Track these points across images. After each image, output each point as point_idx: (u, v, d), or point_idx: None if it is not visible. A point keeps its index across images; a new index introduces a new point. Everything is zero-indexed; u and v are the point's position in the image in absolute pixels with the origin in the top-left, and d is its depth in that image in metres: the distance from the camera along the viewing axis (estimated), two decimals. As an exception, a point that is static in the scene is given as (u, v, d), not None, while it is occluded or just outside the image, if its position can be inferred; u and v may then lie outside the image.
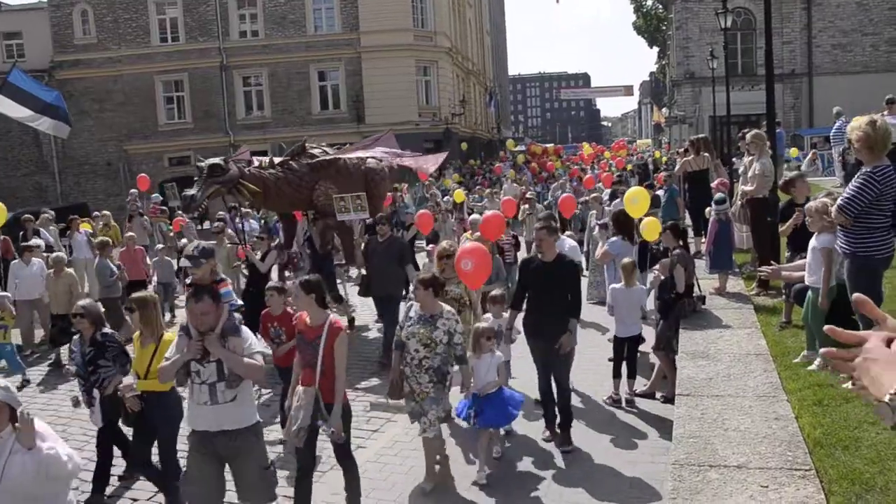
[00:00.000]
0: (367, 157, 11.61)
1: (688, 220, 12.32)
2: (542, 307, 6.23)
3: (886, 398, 1.29)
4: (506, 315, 6.84)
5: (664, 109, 56.61)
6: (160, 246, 13.69)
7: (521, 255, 9.97)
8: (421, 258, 11.80)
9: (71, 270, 10.74)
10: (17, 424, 3.53)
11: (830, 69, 38.05)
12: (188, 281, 6.66)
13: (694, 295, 7.71)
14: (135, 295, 5.85)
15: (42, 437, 3.57)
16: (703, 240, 10.42)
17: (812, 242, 6.11)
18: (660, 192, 13.57)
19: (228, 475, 4.62)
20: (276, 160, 10.61)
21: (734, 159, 14.23)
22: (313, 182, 10.52)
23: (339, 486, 5.72)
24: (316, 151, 11.14)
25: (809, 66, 38.56)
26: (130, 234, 12.81)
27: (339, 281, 13.06)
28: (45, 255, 11.82)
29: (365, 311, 11.59)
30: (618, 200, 11.11)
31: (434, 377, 5.52)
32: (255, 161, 10.46)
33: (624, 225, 9.27)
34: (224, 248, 10.85)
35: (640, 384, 7.51)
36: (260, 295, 7.75)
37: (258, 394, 7.88)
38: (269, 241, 10.25)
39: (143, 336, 5.47)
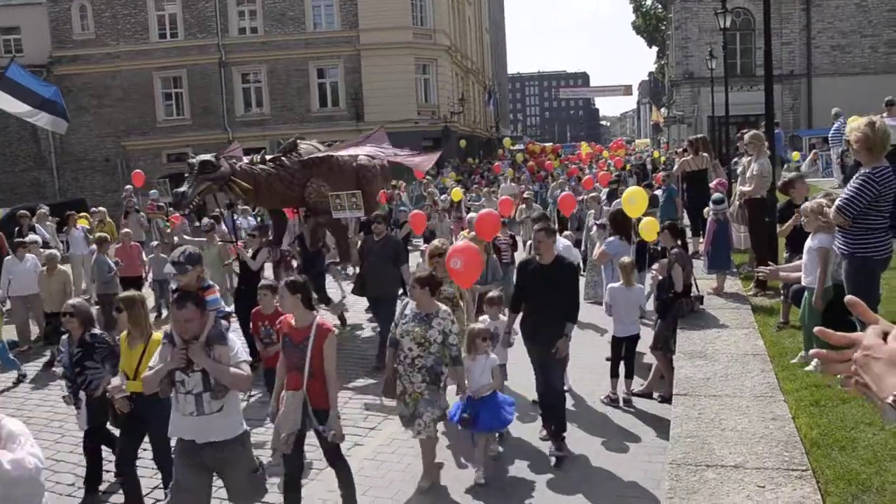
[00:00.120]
0: (359, 155, 11.59)
1: (686, 220, 12.34)
2: (539, 309, 6.15)
3: (890, 399, 1.29)
4: (503, 317, 6.81)
5: (663, 109, 56.62)
6: (155, 243, 13.66)
7: (518, 255, 9.91)
8: (415, 258, 11.75)
9: (64, 268, 10.70)
10: None
11: (829, 70, 38.05)
12: (174, 286, 6.55)
13: (692, 295, 7.71)
14: (122, 294, 5.74)
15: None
16: (702, 240, 10.42)
17: (808, 243, 6.12)
18: (658, 192, 13.59)
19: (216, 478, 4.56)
20: (268, 157, 10.55)
21: (735, 159, 14.22)
22: (305, 179, 10.48)
23: (335, 484, 5.73)
24: (307, 148, 11.12)
25: (808, 67, 38.55)
26: (126, 230, 12.79)
27: (335, 279, 13.05)
28: (42, 251, 11.78)
29: (361, 309, 11.60)
30: (617, 201, 11.11)
31: (427, 377, 5.45)
32: (245, 158, 10.38)
33: (622, 224, 9.27)
34: (215, 246, 10.77)
35: (637, 384, 7.52)
36: (252, 293, 7.71)
37: (246, 395, 7.83)
38: (260, 238, 10.16)
39: (132, 336, 5.34)
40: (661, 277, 7.67)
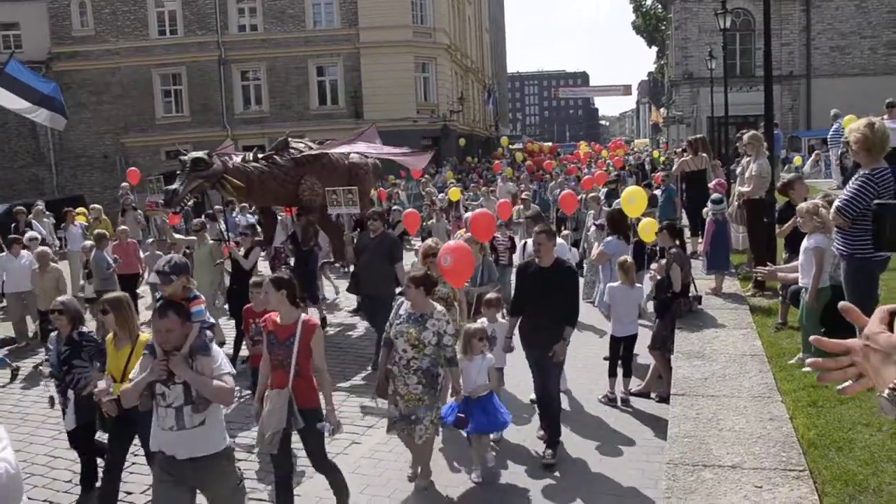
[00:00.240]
0: (351, 153, 11.58)
1: (685, 220, 12.34)
2: (538, 312, 6.08)
3: (885, 393, 1.28)
4: (500, 319, 6.78)
5: (662, 109, 56.65)
6: (151, 240, 13.62)
7: (516, 257, 9.85)
8: (410, 257, 11.70)
9: (57, 265, 10.67)
10: None
11: (829, 71, 38.09)
12: (158, 295, 6.42)
13: (690, 295, 7.72)
14: (107, 296, 5.61)
15: None
16: (700, 240, 10.42)
17: (804, 243, 6.12)
18: (657, 192, 13.59)
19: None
20: (260, 155, 10.51)
21: (737, 159, 14.20)
22: (298, 177, 10.45)
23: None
24: (300, 146, 11.09)
25: (808, 68, 38.59)
26: (123, 227, 12.76)
27: (327, 278, 13.02)
28: (40, 247, 11.75)
29: (351, 308, 11.61)
30: (617, 201, 11.10)
31: (423, 379, 5.36)
32: (236, 157, 10.31)
33: (619, 223, 9.25)
34: (206, 245, 10.66)
35: (635, 384, 7.53)
36: (244, 292, 7.66)
37: (239, 393, 7.79)
38: (253, 236, 10.11)
39: (118, 338, 5.25)
40: (659, 277, 7.68)
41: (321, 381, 4.93)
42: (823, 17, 38.47)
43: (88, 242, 11.48)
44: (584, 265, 11.46)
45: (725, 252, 9.40)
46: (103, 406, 5.05)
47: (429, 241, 7.54)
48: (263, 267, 11.67)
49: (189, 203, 9.98)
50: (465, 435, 5.91)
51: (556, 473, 5.82)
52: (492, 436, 6.12)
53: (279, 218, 13.22)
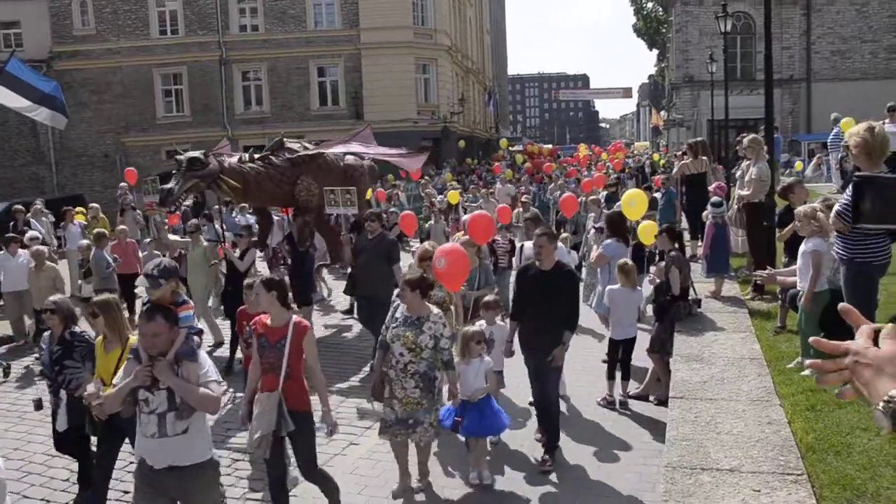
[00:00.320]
0: (347, 154, 11.57)
1: (685, 224, 12.34)
2: (538, 315, 6.02)
3: (880, 405, 1.29)
4: (499, 322, 6.74)
5: (662, 112, 56.68)
6: (148, 240, 13.58)
7: (514, 260, 9.82)
8: (408, 259, 11.67)
9: (53, 264, 10.65)
10: None
11: (829, 75, 38.13)
12: (145, 300, 6.28)
13: (689, 298, 7.71)
14: (96, 298, 5.55)
15: None
16: (700, 243, 10.42)
17: (802, 247, 6.13)
18: (657, 195, 13.59)
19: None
20: (256, 155, 10.48)
21: (738, 163, 14.19)
22: (294, 177, 10.43)
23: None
24: (295, 146, 11.08)
25: (808, 72, 38.62)
26: (122, 227, 12.73)
27: (322, 280, 12.99)
28: (36, 246, 11.73)
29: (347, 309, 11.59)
30: (617, 203, 11.09)
31: (420, 382, 5.32)
32: (229, 158, 10.25)
33: (618, 226, 9.24)
34: (200, 246, 10.56)
35: (633, 387, 7.52)
36: (239, 294, 7.62)
37: (232, 396, 7.79)
38: (249, 237, 10.06)
39: (108, 340, 5.18)
40: (658, 281, 7.67)
41: (315, 382, 4.89)
42: (824, 21, 38.51)
43: (85, 242, 11.45)
44: (584, 268, 11.45)
45: (725, 255, 9.40)
46: (93, 409, 4.91)
47: (425, 245, 7.49)
48: (262, 267, 11.66)
49: (188, 202, 9.97)
50: (461, 439, 5.89)
51: (554, 477, 5.81)
52: (489, 438, 6.09)
53: (277, 219, 13.22)
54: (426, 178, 23.24)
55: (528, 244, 8.67)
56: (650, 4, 54.29)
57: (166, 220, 16.02)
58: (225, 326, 9.64)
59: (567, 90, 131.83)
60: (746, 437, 4.66)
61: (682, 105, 41.73)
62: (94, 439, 5.68)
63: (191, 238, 10.77)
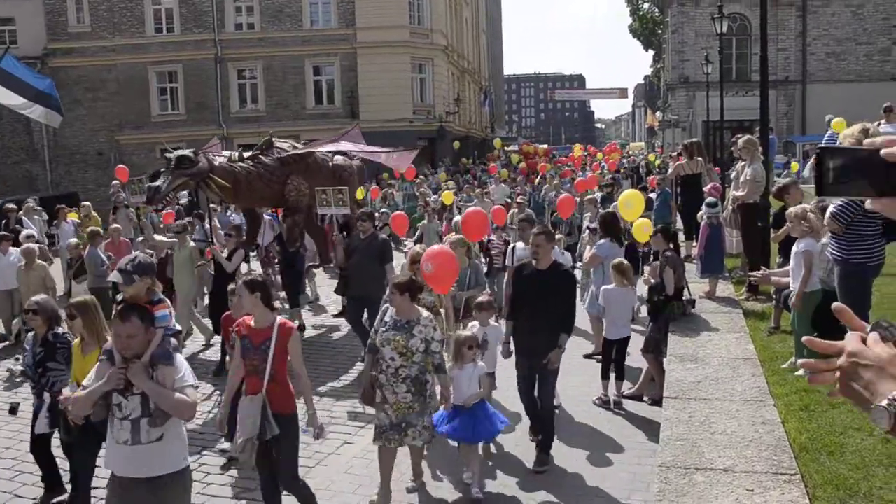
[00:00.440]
0: (336, 155, 11.53)
1: (679, 224, 12.37)
2: (534, 316, 5.94)
3: (884, 402, 1.28)
4: (493, 323, 6.70)
5: (658, 113, 56.80)
6: (140, 238, 13.50)
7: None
8: (401, 259, 11.62)
9: (43, 263, 10.58)
10: None
11: (824, 77, 38.28)
12: (119, 298, 6.08)
13: (684, 298, 7.72)
14: (74, 300, 5.41)
15: None
16: (695, 244, 10.45)
17: (794, 248, 6.15)
18: (653, 195, 13.61)
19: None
20: (246, 154, 10.40)
21: (733, 164, 14.21)
22: (284, 177, 10.38)
23: (325, 483, 5.72)
24: (284, 146, 11.04)
25: (803, 74, 38.77)
26: (115, 225, 12.66)
27: (310, 281, 12.92)
28: (26, 244, 11.66)
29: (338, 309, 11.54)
30: (613, 204, 11.10)
31: (412, 386, 5.24)
32: (221, 157, 10.18)
33: (612, 226, 9.23)
34: (186, 247, 10.39)
35: (627, 386, 7.52)
36: (224, 296, 7.52)
37: (219, 398, 7.70)
38: (238, 237, 9.96)
39: (86, 343, 5.02)
40: (652, 281, 7.68)
41: (300, 384, 4.81)
42: (819, 23, 38.66)
43: (73, 240, 11.35)
44: (577, 269, 11.45)
45: (719, 256, 9.43)
46: (69, 414, 4.65)
47: (416, 248, 7.44)
48: (256, 267, 11.62)
49: (183, 201, 9.93)
50: (453, 444, 5.85)
51: (548, 478, 5.81)
52: (486, 445, 6.06)
53: (268, 218, 13.16)
54: (421, 177, 23.20)
55: (521, 245, 8.66)
56: (646, 5, 54.41)
57: (161, 219, 15.97)
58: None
59: (563, 90, 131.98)
60: (740, 437, 4.67)
61: (677, 106, 41.83)
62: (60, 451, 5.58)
63: (177, 238, 10.55)
